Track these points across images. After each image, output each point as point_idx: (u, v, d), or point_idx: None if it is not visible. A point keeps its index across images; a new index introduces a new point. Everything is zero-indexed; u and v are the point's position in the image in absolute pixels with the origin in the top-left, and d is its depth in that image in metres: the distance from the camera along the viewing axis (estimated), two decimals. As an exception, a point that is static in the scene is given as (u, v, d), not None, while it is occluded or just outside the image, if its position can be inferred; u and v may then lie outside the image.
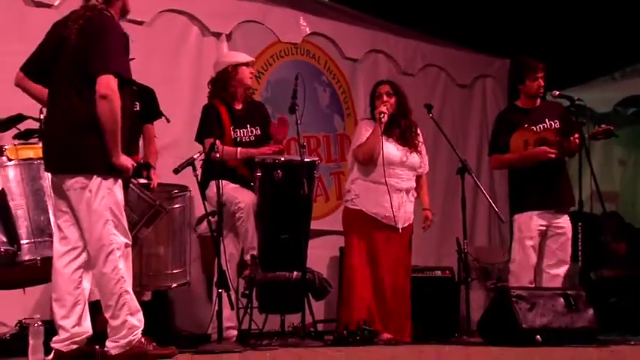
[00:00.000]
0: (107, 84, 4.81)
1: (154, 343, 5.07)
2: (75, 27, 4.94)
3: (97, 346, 5.04)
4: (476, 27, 9.68)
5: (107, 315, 4.95)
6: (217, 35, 8.10)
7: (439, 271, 8.08)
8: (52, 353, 4.98)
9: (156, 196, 5.89)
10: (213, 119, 6.75)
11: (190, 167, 6.05)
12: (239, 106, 6.89)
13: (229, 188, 6.48)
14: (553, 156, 6.95)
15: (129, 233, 5.05)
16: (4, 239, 5.26)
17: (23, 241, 5.43)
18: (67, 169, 4.95)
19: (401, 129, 7.08)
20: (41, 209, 5.54)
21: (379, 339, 6.70)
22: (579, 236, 6.88)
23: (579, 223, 6.87)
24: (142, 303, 5.23)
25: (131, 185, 5.46)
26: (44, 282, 5.69)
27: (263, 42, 8.53)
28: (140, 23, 7.35)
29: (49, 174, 5.16)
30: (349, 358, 4.78)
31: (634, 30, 9.26)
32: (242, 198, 6.54)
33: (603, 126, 7.33)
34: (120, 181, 5.00)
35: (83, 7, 5.07)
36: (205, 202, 6.25)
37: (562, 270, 7.04)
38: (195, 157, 6.12)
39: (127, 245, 4.98)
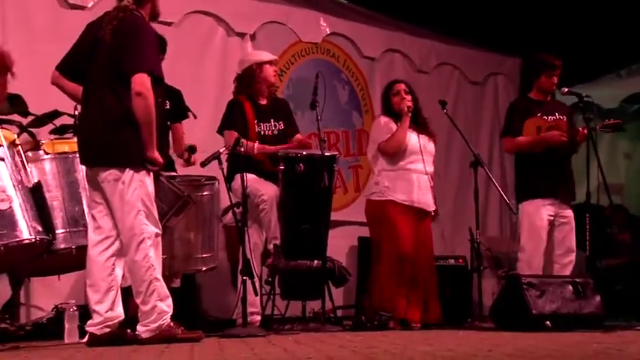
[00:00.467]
0: (142, 82, 4.99)
1: (182, 328, 5.23)
2: (109, 28, 5.11)
3: (129, 330, 5.21)
4: (488, 27, 9.74)
5: (138, 301, 5.12)
6: (242, 35, 8.29)
7: (453, 260, 8.17)
8: (87, 336, 5.15)
9: (185, 187, 6.00)
10: (236, 113, 6.85)
11: (216, 161, 6.12)
12: (263, 102, 6.99)
13: (253, 181, 6.55)
14: (565, 139, 7.00)
15: (159, 223, 5.20)
16: (40, 229, 5.34)
17: (58, 231, 5.58)
18: (102, 163, 5.12)
19: (419, 120, 7.25)
20: (76, 200, 5.69)
21: (410, 322, 6.83)
22: (587, 227, 6.87)
23: (587, 215, 6.85)
24: (171, 289, 5.35)
25: (161, 178, 5.57)
26: (78, 269, 5.83)
27: (285, 42, 8.70)
28: (169, 24, 7.50)
29: (84, 167, 5.33)
30: (367, 342, 4.94)
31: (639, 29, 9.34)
32: (265, 190, 6.63)
33: (613, 120, 7.42)
34: (151, 174, 5.16)
35: (116, 8, 5.23)
36: (231, 194, 6.33)
37: (570, 258, 7.08)
38: (220, 151, 6.19)
39: (157, 234, 5.14)
